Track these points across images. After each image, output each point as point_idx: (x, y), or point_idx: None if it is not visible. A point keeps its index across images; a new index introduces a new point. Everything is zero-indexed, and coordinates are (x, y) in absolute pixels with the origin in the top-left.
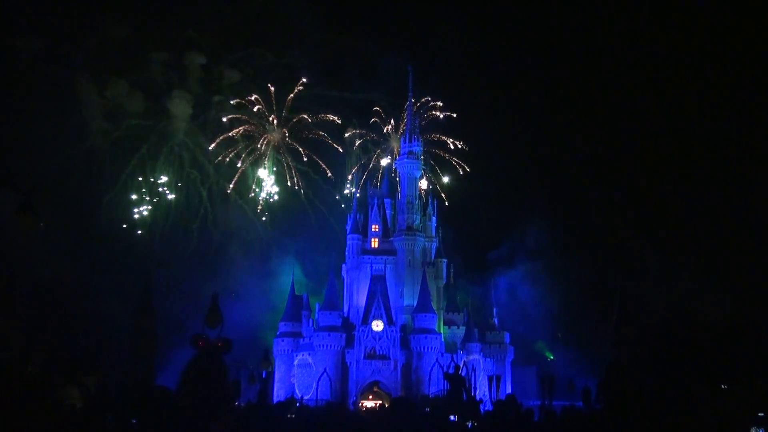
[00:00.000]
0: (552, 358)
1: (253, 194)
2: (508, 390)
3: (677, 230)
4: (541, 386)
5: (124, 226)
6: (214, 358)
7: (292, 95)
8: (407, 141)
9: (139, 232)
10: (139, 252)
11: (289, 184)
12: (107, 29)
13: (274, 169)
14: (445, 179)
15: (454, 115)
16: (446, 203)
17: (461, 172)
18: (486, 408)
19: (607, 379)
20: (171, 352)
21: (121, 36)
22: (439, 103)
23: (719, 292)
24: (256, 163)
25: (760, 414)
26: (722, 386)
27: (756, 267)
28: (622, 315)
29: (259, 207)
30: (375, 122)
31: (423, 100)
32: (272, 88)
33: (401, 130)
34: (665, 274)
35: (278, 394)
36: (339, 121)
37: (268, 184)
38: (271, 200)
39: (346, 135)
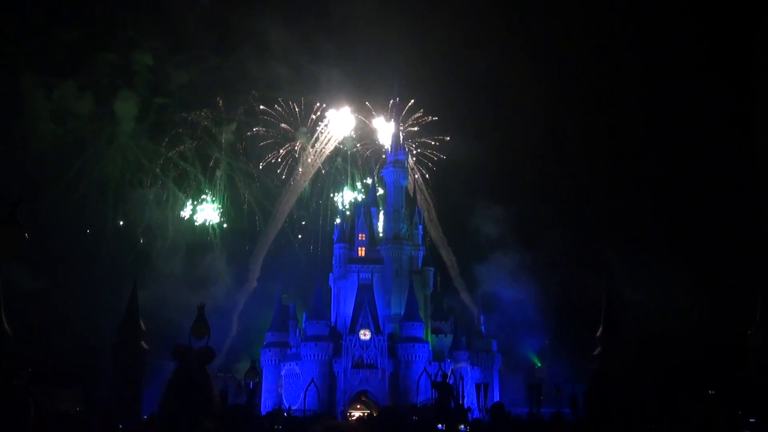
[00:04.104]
0: (540, 365)
1: (203, 205)
2: (496, 398)
3: (655, 233)
4: (529, 394)
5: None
6: (197, 369)
7: (242, 109)
8: (393, 150)
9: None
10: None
11: (240, 190)
12: (54, 31)
13: (220, 176)
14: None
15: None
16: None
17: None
18: (474, 416)
19: (592, 388)
20: (158, 364)
21: (68, 37)
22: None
23: (703, 296)
24: (206, 170)
25: (751, 420)
26: (710, 392)
27: (741, 271)
28: (608, 322)
29: (210, 213)
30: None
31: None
32: (220, 101)
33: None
34: (644, 277)
35: (265, 404)
36: (289, 128)
37: (218, 190)
38: (221, 208)
39: (296, 144)
